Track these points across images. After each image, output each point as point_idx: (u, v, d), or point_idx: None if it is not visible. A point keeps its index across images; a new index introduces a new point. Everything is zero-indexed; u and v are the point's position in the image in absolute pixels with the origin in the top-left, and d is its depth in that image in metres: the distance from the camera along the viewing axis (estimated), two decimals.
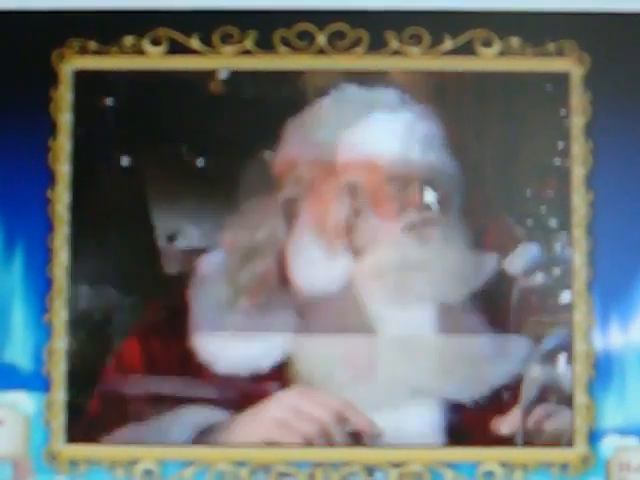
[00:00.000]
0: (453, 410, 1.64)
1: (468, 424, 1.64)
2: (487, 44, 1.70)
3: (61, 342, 1.66)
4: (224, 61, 1.70)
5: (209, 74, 1.71)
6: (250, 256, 1.68)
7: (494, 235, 1.69)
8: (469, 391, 1.64)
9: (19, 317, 1.67)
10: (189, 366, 1.66)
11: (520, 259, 1.67)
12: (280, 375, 1.66)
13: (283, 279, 1.68)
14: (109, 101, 1.70)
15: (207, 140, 1.71)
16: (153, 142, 1.70)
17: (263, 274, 1.68)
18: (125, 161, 1.69)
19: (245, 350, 1.66)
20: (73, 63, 1.70)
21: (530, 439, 1.63)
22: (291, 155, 1.69)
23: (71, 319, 1.67)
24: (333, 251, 1.68)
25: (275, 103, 1.71)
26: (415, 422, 1.65)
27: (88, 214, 1.69)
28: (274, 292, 1.68)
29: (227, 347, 1.66)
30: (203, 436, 1.65)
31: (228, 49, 1.70)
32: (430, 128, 1.69)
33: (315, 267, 1.68)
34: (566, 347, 1.65)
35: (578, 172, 1.67)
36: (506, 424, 1.64)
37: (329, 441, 1.63)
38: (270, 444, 1.63)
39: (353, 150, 1.69)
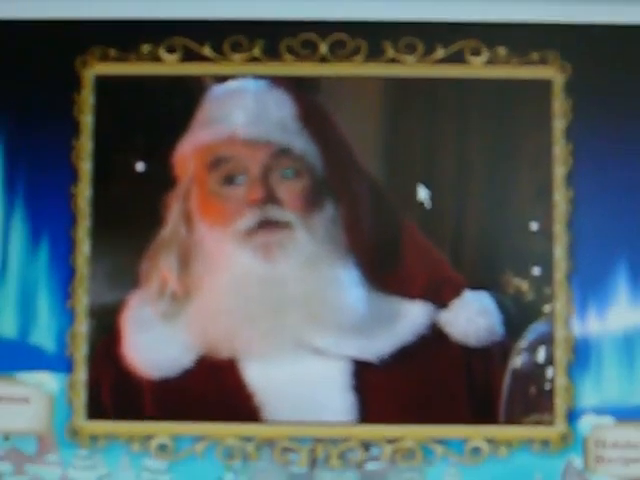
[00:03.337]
0: None
1: None
2: (476, 53, 1.74)
3: (83, 326, 1.70)
4: (234, 68, 1.73)
5: (220, 80, 1.73)
6: None
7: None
8: None
9: (44, 303, 1.71)
10: None
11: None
12: None
13: None
14: (128, 104, 1.73)
15: None
16: (167, 145, 1.71)
17: None
18: (140, 165, 1.72)
19: None
20: (95, 69, 1.74)
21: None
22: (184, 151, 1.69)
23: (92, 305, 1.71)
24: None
25: None
26: None
27: (108, 208, 1.72)
28: None
29: None
30: None
31: (238, 56, 1.74)
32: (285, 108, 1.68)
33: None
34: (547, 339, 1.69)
35: (559, 171, 1.71)
36: None
37: None
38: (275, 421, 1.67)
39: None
